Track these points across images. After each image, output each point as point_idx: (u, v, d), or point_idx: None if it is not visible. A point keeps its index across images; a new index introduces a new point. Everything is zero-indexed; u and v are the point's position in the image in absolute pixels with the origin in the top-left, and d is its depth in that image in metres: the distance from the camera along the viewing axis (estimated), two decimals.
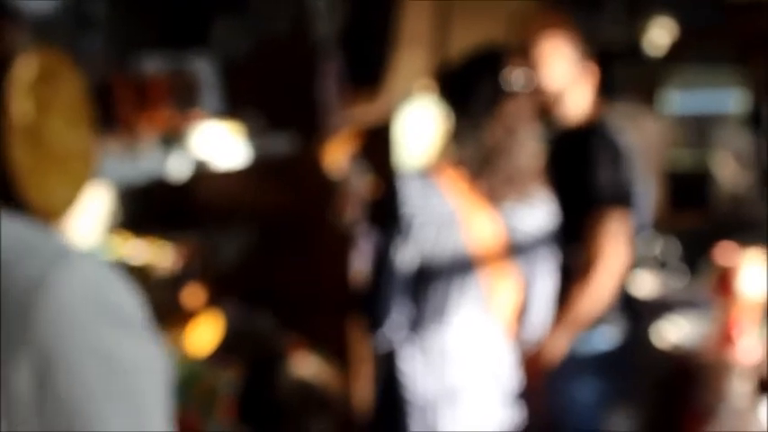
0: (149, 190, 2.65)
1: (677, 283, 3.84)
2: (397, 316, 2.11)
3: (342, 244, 3.31)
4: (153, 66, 2.94)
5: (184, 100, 2.98)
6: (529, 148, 2.23)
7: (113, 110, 2.55)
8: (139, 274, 2.52)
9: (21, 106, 1.33)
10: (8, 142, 1.25)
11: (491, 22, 4.18)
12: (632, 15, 4.92)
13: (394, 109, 4.45)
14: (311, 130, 3.20)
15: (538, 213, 2.21)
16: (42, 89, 1.42)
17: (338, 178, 3.41)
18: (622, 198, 2.50)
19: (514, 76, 2.21)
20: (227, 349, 3.03)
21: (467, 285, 2.14)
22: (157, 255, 2.62)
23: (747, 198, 4.77)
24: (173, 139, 2.46)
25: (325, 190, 3.28)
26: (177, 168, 2.39)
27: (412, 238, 2.09)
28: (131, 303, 0.85)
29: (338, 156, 3.50)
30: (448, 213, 2.12)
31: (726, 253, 2.39)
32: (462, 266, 2.14)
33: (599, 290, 2.40)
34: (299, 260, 3.23)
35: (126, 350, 0.81)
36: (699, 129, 5.16)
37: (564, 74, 2.56)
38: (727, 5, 4.99)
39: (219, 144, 2.59)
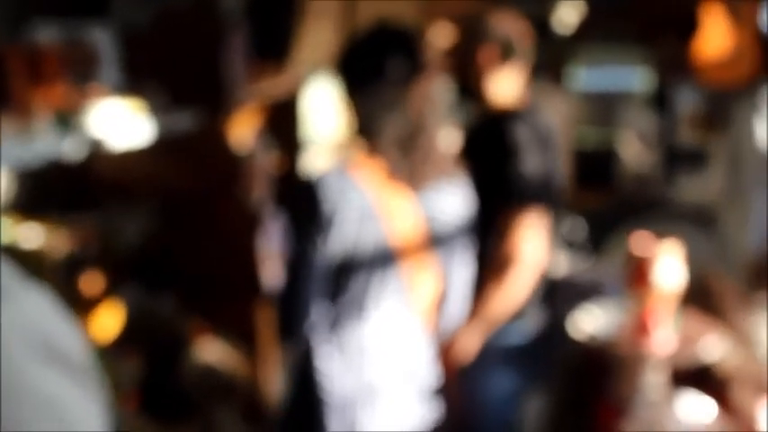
0: (45, 171, 2.50)
1: (583, 263, 3.84)
2: (315, 317, 2.03)
3: (249, 224, 3.20)
4: (47, 35, 2.77)
5: (81, 73, 2.83)
6: (444, 129, 2.17)
7: (4, 84, 2.39)
8: (32, 259, 2.37)
9: None
10: None
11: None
12: None
13: (301, 82, 4.35)
14: (216, 105, 3.07)
15: (455, 199, 2.15)
16: None
17: (244, 155, 3.29)
18: (542, 195, 2.43)
19: (425, 52, 2.13)
20: (127, 337, 2.91)
21: (387, 279, 2.07)
22: (52, 238, 2.47)
23: (651, 178, 4.83)
24: (69, 116, 2.31)
25: (231, 167, 3.16)
26: (73, 148, 2.25)
27: (331, 237, 2.00)
28: (74, 344, 0.77)
29: (244, 131, 3.38)
30: (367, 207, 2.03)
31: (640, 242, 2.36)
32: (383, 260, 2.06)
33: (514, 289, 2.34)
34: (204, 241, 3.11)
35: (63, 394, 0.74)
36: (604, 107, 5.19)
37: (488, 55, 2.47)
38: None
39: (119, 122, 2.45)
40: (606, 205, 4.73)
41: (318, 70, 4.35)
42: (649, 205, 4.67)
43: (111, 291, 2.82)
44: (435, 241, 2.12)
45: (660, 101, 5.10)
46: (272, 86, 3.86)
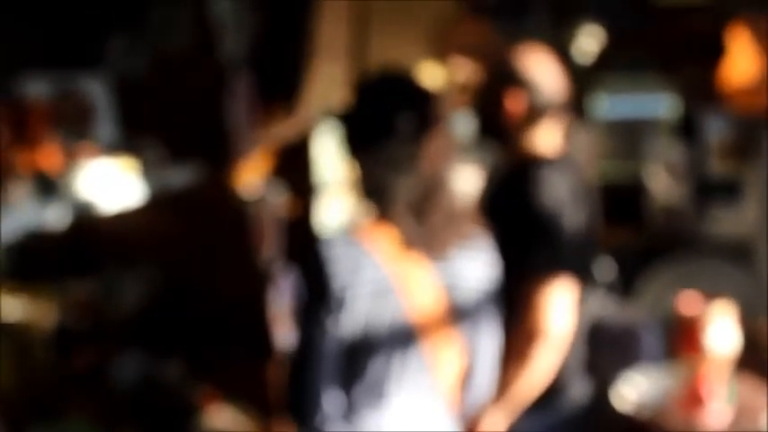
0: (32, 237, 2.31)
1: (613, 306, 3.61)
2: (328, 406, 1.80)
3: (258, 280, 3.00)
4: (37, 89, 2.59)
5: (74, 129, 2.64)
6: (461, 186, 1.96)
7: None
8: (19, 333, 2.17)
9: None
10: None
11: (411, 30, 3.92)
12: (558, 23, 4.73)
13: (312, 125, 4.17)
14: (220, 155, 2.88)
15: (479, 265, 1.93)
16: None
17: (252, 206, 3.10)
18: (575, 259, 2.15)
19: (437, 102, 1.92)
20: (131, 409, 2.70)
21: (407, 359, 1.84)
22: (41, 309, 2.27)
23: (682, 212, 4.59)
24: (52, 180, 2.11)
25: (238, 221, 2.96)
26: (58, 213, 2.05)
27: (342, 316, 1.79)
28: None
29: (251, 179, 3.19)
30: (382, 280, 1.82)
31: (689, 301, 2.13)
32: (402, 338, 1.84)
33: (539, 367, 2.08)
34: (211, 302, 2.91)
35: None
36: (629, 138, 4.96)
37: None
38: (653, 10, 4.83)
39: (109, 183, 2.25)
40: (635, 243, 4.50)
41: (329, 112, 4.17)
42: (681, 241, 4.43)
43: (108, 362, 2.62)
44: (458, 313, 1.89)
45: (687, 130, 4.89)
46: (282, 130, 3.67)
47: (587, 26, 4.79)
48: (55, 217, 1.96)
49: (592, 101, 5.10)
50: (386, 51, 3.93)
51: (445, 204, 1.90)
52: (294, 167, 4.19)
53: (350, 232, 1.86)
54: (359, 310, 1.80)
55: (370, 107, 1.94)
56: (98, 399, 2.54)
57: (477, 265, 1.93)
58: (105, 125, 2.71)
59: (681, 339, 2.13)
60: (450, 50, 4.23)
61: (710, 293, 2.34)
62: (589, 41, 4.80)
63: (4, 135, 2.18)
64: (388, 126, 1.88)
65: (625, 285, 4.05)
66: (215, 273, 2.89)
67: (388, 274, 1.83)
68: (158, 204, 2.70)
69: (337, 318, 1.79)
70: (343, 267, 1.79)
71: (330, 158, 4.28)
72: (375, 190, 1.89)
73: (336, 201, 4.32)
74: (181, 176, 2.71)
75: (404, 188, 1.86)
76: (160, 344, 2.84)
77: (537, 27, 4.67)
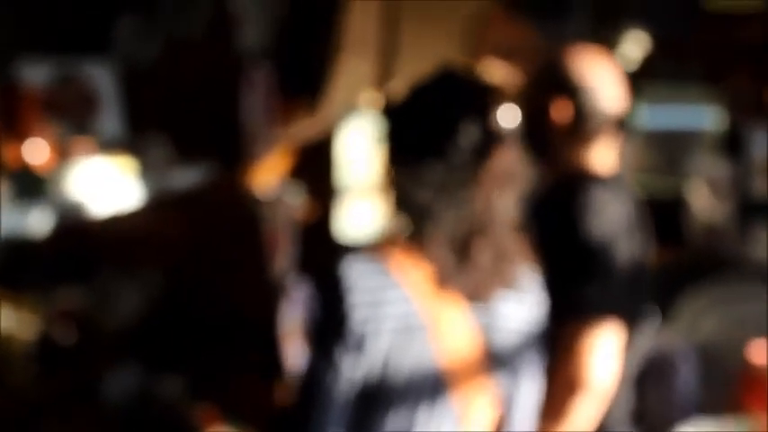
0: (16, 241, 2.10)
1: (650, 330, 3.36)
2: None
3: (268, 292, 2.78)
4: (37, 74, 2.37)
5: (76, 119, 2.42)
6: (514, 218, 1.67)
7: None
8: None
9: None
10: None
11: (444, 28, 3.71)
12: (600, 27, 4.51)
13: (335, 123, 3.97)
14: (232, 155, 2.65)
15: (523, 308, 1.67)
16: None
17: (265, 210, 2.87)
18: (625, 300, 1.85)
19: (503, 113, 1.62)
20: (124, 427, 2.48)
21: (435, 410, 1.59)
22: (23, 321, 2.05)
23: (724, 231, 4.35)
24: (42, 179, 1.89)
25: (248, 226, 2.74)
26: (47, 215, 1.83)
27: (361, 353, 1.53)
28: None
29: (266, 182, 2.97)
30: (410, 316, 1.57)
31: (761, 351, 1.88)
32: (430, 385, 1.58)
33: (578, 425, 1.82)
34: (215, 313, 2.69)
35: None
36: (671, 151, 4.73)
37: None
38: (701, 15, 4.61)
39: (105, 183, 2.03)
40: (674, 263, 4.25)
41: (354, 110, 3.97)
42: (721, 263, 4.19)
43: (98, 378, 2.41)
44: (495, 359, 1.63)
45: (732, 144, 4.67)
46: (303, 128, 3.46)
47: (631, 31, 4.60)
48: (40, 219, 1.73)
49: (632, 110, 4.85)
50: (416, 49, 3.71)
51: (495, 243, 1.61)
52: (314, 169, 3.99)
53: (375, 255, 1.60)
54: (380, 349, 1.55)
55: (423, 115, 1.66)
56: (85, 418, 2.32)
57: (520, 306, 1.67)
58: (109, 117, 2.49)
59: (751, 392, 1.87)
60: (484, 51, 4.01)
61: (750, 320, 2.11)
62: (632, 47, 4.59)
63: None
64: (441, 142, 1.61)
65: (663, 307, 3.81)
66: (221, 282, 2.67)
67: (417, 310, 1.58)
68: (161, 206, 2.47)
69: (354, 356, 1.54)
70: (365, 297, 1.53)
71: (354, 160, 4.07)
72: (412, 213, 1.61)
73: (359, 206, 4.10)
74: (188, 176, 2.48)
75: (448, 220, 1.58)
76: (157, 358, 2.63)
77: (577, 30, 4.46)
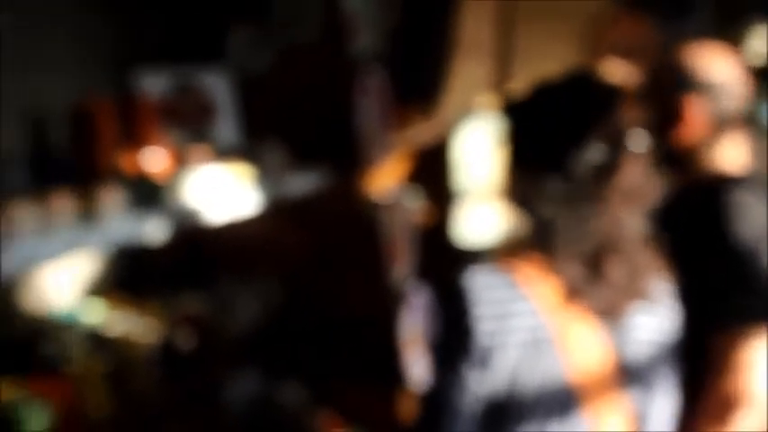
0: (138, 248, 2.12)
1: None
2: None
3: (387, 299, 2.74)
4: (153, 84, 2.40)
5: (190, 128, 2.44)
6: (645, 232, 1.56)
7: (90, 146, 2.00)
8: (122, 348, 1.97)
9: None
10: None
11: (560, 29, 3.62)
12: (724, 22, 4.32)
13: (451, 127, 3.92)
14: (348, 161, 2.63)
15: (656, 317, 1.57)
16: None
17: (383, 217, 2.84)
18: None
19: (633, 126, 1.51)
20: None
21: (567, 426, 1.51)
22: (149, 323, 2.07)
23: None
24: (160, 187, 1.90)
25: (366, 233, 2.71)
26: (164, 223, 1.84)
27: (488, 368, 1.46)
28: None
29: (383, 187, 2.93)
30: (539, 329, 1.49)
31: None
32: (560, 401, 1.50)
33: None
34: (334, 320, 2.67)
35: None
36: None
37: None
38: None
39: (223, 190, 2.04)
40: None
41: (470, 113, 3.91)
42: None
43: (219, 383, 2.42)
44: (628, 374, 1.54)
45: None
46: (419, 133, 3.42)
47: (756, 26, 4.42)
48: (156, 226, 1.74)
49: (759, 106, 4.66)
50: (533, 50, 3.63)
51: (627, 259, 1.53)
52: (432, 173, 3.95)
53: (500, 266, 1.53)
54: (507, 363, 1.47)
55: (549, 120, 1.58)
56: (206, 423, 2.33)
57: (653, 317, 1.58)
58: (225, 125, 2.50)
59: None
60: (603, 51, 3.90)
61: None
62: (757, 43, 4.42)
63: (110, 133, 1.98)
64: (564, 155, 1.53)
65: None
66: (340, 289, 2.65)
67: (545, 324, 1.50)
68: (279, 212, 2.46)
69: (480, 370, 1.46)
70: (491, 310, 1.47)
71: (471, 164, 4.02)
72: (535, 224, 1.54)
73: (477, 211, 4.04)
74: (305, 182, 2.47)
75: (573, 235, 1.51)
76: (278, 364, 2.62)
77: (700, 26, 4.29)
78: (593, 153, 1.53)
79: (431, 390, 1.50)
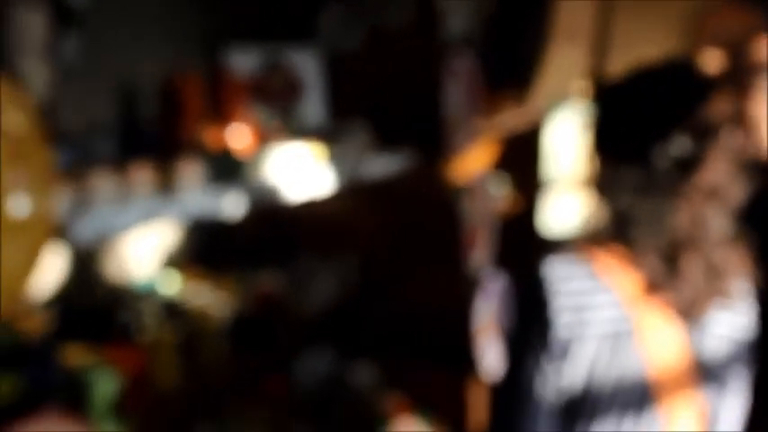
0: (218, 222, 2.16)
1: None
2: None
3: (463, 283, 2.73)
4: (243, 61, 2.43)
5: (278, 105, 2.47)
6: (727, 232, 1.51)
7: (176, 120, 2.05)
8: (196, 319, 2.01)
9: None
10: None
11: (661, 15, 3.53)
12: None
13: (543, 114, 3.87)
14: (434, 145, 2.62)
15: (735, 315, 1.53)
16: None
17: (466, 203, 2.83)
18: None
19: (725, 121, 1.45)
20: (311, 409, 2.51)
21: (642, 422, 1.48)
22: (224, 296, 2.11)
23: None
24: (241, 162, 1.93)
25: (447, 218, 2.70)
26: (244, 198, 1.87)
27: (565, 359, 1.44)
28: None
29: (470, 172, 2.92)
30: (620, 322, 1.45)
31: None
32: (636, 395, 1.46)
33: None
34: (409, 301, 2.68)
35: None
36: None
37: None
38: None
39: (305, 168, 2.06)
40: None
41: (564, 100, 3.85)
42: None
43: (290, 360, 2.44)
44: (704, 371, 1.50)
45: None
46: (510, 118, 3.38)
47: None
48: (235, 201, 1.77)
49: None
50: (631, 37, 3.55)
51: (706, 259, 1.48)
52: (521, 160, 3.90)
53: (580, 256, 1.50)
54: (585, 356, 1.44)
55: (638, 107, 1.53)
56: (274, 398, 2.36)
57: (732, 316, 1.53)
58: (312, 104, 2.52)
59: None
60: (703, 41, 3.79)
61: None
62: None
63: (196, 108, 2.01)
64: (648, 145, 1.48)
65: None
66: (416, 271, 2.65)
67: (625, 316, 1.47)
68: (359, 193, 2.48)
69: (558, 362, 1.44)
70: (571, 301, 1.44)
71: (561, 152, 3.96)
72: (614, 214, 1.51)
73: (565, 200, 3.98)
74: (388, 164, 2.48)
75: (651, 229, 1.47)
76: (350, 344, 2.64)
77: None
78: (679, 146, 1.48)
79: (508, 381, 1.47)
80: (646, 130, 1.50)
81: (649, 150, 1.48)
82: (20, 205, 1.00)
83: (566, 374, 1.43)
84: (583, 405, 1.45)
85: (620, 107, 1.57)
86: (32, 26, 1.47)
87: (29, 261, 1.03)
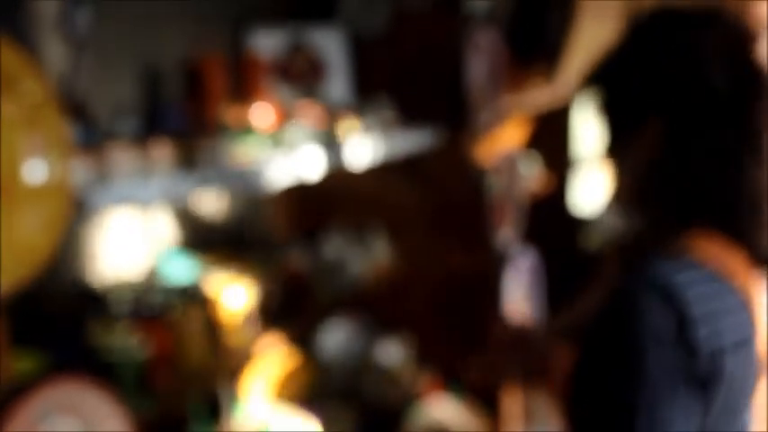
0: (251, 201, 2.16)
1: None
2: None
3: (492, 261, 2.73)
4: (267, 42, 2.44)
5: (303, 85, 2.48)
6: None
7: (198, 100, 2.06)
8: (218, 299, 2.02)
9: None
10: None
11: None
12: None
13: (572, 92, 3.83)
14: (457, 121, 2.62)
15: None
16: None
17: (493, 180, 2.82)
18: None
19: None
20: (343, 387, 2.53)
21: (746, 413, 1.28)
22: (248, 278, 2.12)
23: None
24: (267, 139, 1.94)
25: (474, 194, 2.70)
26: (287, 172, 1.88)
27: (708, 381, 1.19)
28: None
29: (496, 150, 2.91)
30: (747, 324, 1.24)
31: None
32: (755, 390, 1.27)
33: None
34: (438, 279, 2.68)
35: None
36: None
37: None
38: None
39: (340, 144, 2.07)
40: None
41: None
42: None
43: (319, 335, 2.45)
44: None
45: None
46: (539, 96, 3.37)
47: None
48: (286, 174, 1.79)
49: None
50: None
51: None
52: (551, 139, 3.88)
53: (687, 254, 1.25)
54: (722, 368, 1.21)
55: (685, 56, 1.27)
56: (303, 376, 2.38)
57: None
58: (336, 84, 2.52)
59: None
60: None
61: None
62: None
63: (219, 88, 2.03)
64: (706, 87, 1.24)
65: None
66: (445, 248, 2.65)
67: (751, 318, 1.27)
68: (388, 169, 2.48)
69: (703, 387, 1.20)
70: (704, 308, 1.21)
71: (590, 131, 3.93)
72: (689, 187, 1.27)
73: (593, 179, 3.95)
74: (415, 140, 2.48)
75: (749, 186, 1.25)
76: (379, 320, 2.65)
77: None
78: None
79: (645, 412, 1.18)
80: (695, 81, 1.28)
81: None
82: (36, 171, 1.01)
83: (708, 399, 1.21)
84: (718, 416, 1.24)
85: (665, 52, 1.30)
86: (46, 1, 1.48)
87: (47, 228, 1.05)
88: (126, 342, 1.64)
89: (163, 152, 1.58)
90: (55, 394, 1.14)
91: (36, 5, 1.37)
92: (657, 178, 1.32)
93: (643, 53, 1.35)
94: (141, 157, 1.49)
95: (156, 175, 1.47)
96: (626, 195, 1.38)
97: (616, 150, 1.39)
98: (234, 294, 2.02)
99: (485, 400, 2.67)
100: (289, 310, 2.19)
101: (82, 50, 1.57)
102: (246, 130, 1.95)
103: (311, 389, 2.38)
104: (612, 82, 1.40)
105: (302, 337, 2.39)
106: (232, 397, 2.00)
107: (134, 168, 1.42)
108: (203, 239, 2.16)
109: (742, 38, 1.32)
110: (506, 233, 2.83)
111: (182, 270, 2.03)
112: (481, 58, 2.71)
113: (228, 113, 2.02)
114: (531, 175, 3.35)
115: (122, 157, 1.41)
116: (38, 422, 1.10)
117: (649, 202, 1.34)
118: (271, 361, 2.25)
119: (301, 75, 2.51)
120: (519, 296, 2.84)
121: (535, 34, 3.19)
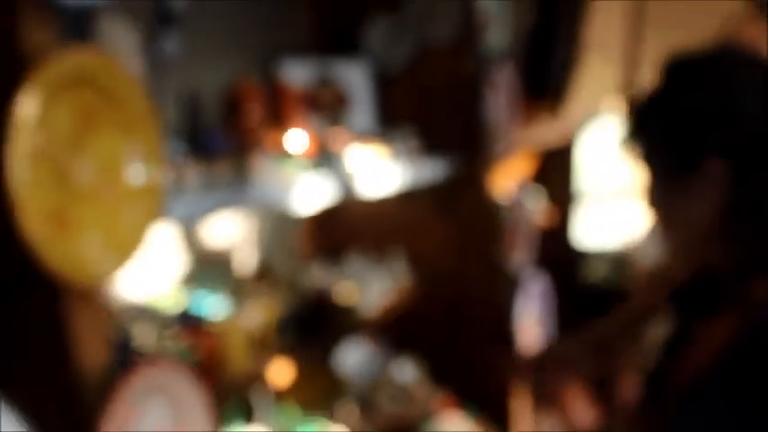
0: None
1: None
2: None
3: (505, 286, 2.85)
4: (297, 74, 2.58)
5: (330, 115, 2.61)
6: None
7: (236, 125, 2.20)
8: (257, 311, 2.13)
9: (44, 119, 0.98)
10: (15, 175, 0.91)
11: (691, 31, 3.62)
12: None
13: (577, 126, 3.97)
14: (475, 152, 2.75)
15: None
16: (81, 97, 1.07)
17: (505, 209, 2.95)
18: None
19: None
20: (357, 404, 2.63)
21: None
22: (274, 301, 2.22)
23: None
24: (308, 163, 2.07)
25: (488, 222, 2.83)
26: (314, 198, 2.00)
27: None
28: None
29: (507, 182, 3.04)
30: None
31: None
32: None
33: None
34: (453, 301, 2.80)
35: None
36: None
37: None
38: None
39: (366, 169, 2.19)
40: None
41: (597, 113, 3.95)
42: None
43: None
44: None
45: None
46: (545, 132, 3.50)
47: None
48: (312, 200, 1.91)
49: None
50: (662, 54, 3.65)
51: None
52: (555, 175, 4.00)
53: None
54: None
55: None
56: (319, 386, 2.48)
57: None
58: (360, 115, 2.66)
59: None
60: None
61: None
62: None
63: (257, 113, 2.16)
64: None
65: None
66: (461, 272, 2.77)
67: None
68: (408, 196, 2.61)
69: None
70: None
71: (594, 166, 4.06)
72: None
73: (596, 213, 4.07)
74: (435, 169, 2.61)
75: None
76: (397, 340, 2.76)
77: None
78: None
79: None
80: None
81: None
82: (136, 174, 1.14)
83: None
84: None
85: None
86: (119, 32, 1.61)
87: (143, 226, 1.17)
88: (177, 345, 1.75)
89: (196, 171, 1.71)
90: (152, 375, 1.25)
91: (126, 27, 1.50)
92: (735, 218, 1.29)
93: (682, 98, 1.34)
94: (178, 175, 1.61)
95: (189, 193, 1.58)
96: (687, 236, 1.35)
97: (668, 195, 1.36)
98: (257, 310, 2.14)
99: (497, 419, 2.77)
100: (310, 329, 2.30)
101: (167, 74, 1.71)
102: (283, 154, 2.07)
103: (330, 404, 2.48)
104: (655, 130, 1.38)
105: (323, 355, 2.50)
106: (266, 403, 2.11)
107: (172, 186, 1.53)
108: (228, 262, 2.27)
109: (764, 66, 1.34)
110: (519, 258, 2.96)
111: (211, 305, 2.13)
112: (497, 92, 2.84)
113: (265, 139, 2.15)
114: (537, 208, 3.47)
115: (187, 175, 1.53)
116: (137, 402, 1.21)
117: (728, 241, 1.31)
118: (291, 377, 2.35)
119: (327, 105, 2.65)
120: (530, 319, 2.96)
121: (542, 71, 3.32)
